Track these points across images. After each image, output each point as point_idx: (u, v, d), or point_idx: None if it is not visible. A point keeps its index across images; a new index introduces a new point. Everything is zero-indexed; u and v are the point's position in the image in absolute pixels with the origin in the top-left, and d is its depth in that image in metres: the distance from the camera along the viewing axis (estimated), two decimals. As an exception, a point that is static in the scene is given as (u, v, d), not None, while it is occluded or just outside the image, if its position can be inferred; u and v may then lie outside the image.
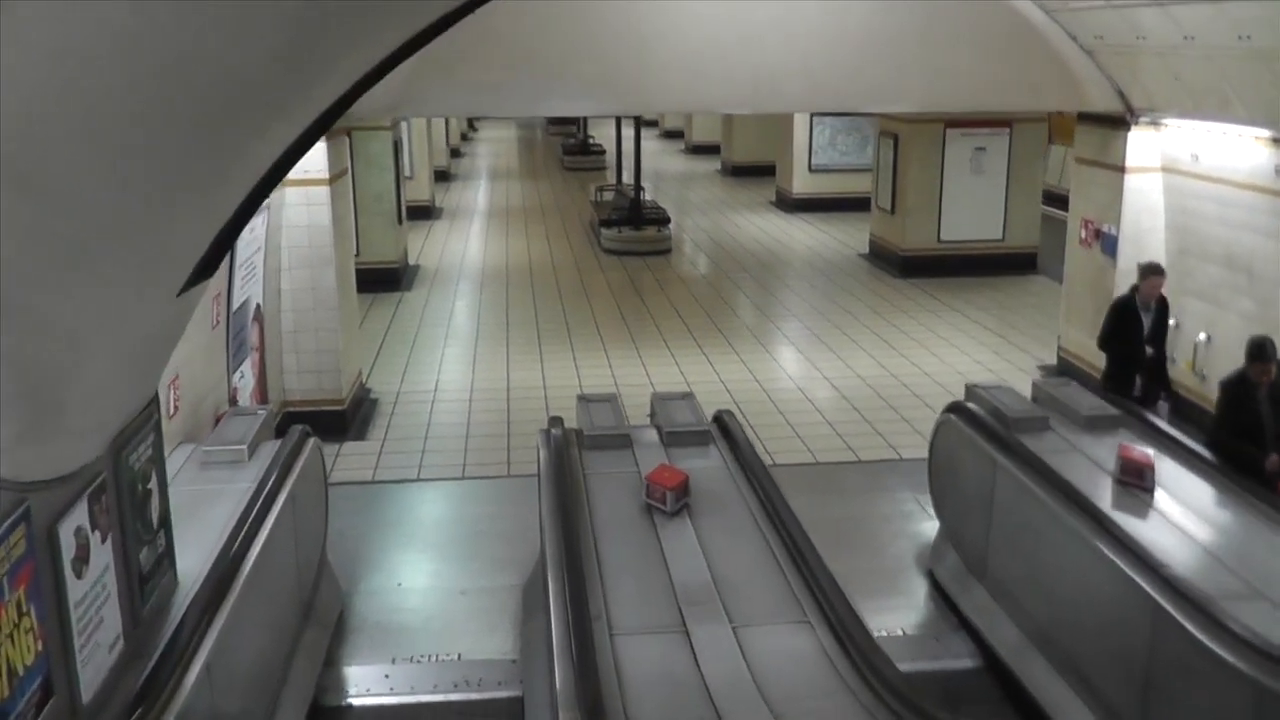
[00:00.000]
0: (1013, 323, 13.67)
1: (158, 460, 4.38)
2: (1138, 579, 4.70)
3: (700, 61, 9.09)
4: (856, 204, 21.48)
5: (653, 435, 6.46)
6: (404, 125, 19.03)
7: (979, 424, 6.58)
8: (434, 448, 9.37)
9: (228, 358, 7.41)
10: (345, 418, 9.50)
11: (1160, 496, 5.77)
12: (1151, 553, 4.88)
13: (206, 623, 4.36)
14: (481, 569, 7.17)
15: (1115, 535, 5.06)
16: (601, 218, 19.02)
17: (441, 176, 26.40)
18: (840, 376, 11.32)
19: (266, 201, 8.40)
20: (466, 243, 19.39)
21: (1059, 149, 20.48)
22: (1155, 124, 9.97)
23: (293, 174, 9.05)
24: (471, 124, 42.32)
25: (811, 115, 22.26)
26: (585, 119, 34.30)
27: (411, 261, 17.10)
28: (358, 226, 14.97)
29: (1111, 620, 4.96)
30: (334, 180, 9.16)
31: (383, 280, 15.20)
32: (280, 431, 6.38)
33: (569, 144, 33.38)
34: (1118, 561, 4.87)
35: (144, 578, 4.19)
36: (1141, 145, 10.12)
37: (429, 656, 6.08)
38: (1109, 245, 10.56)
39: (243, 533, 5.00)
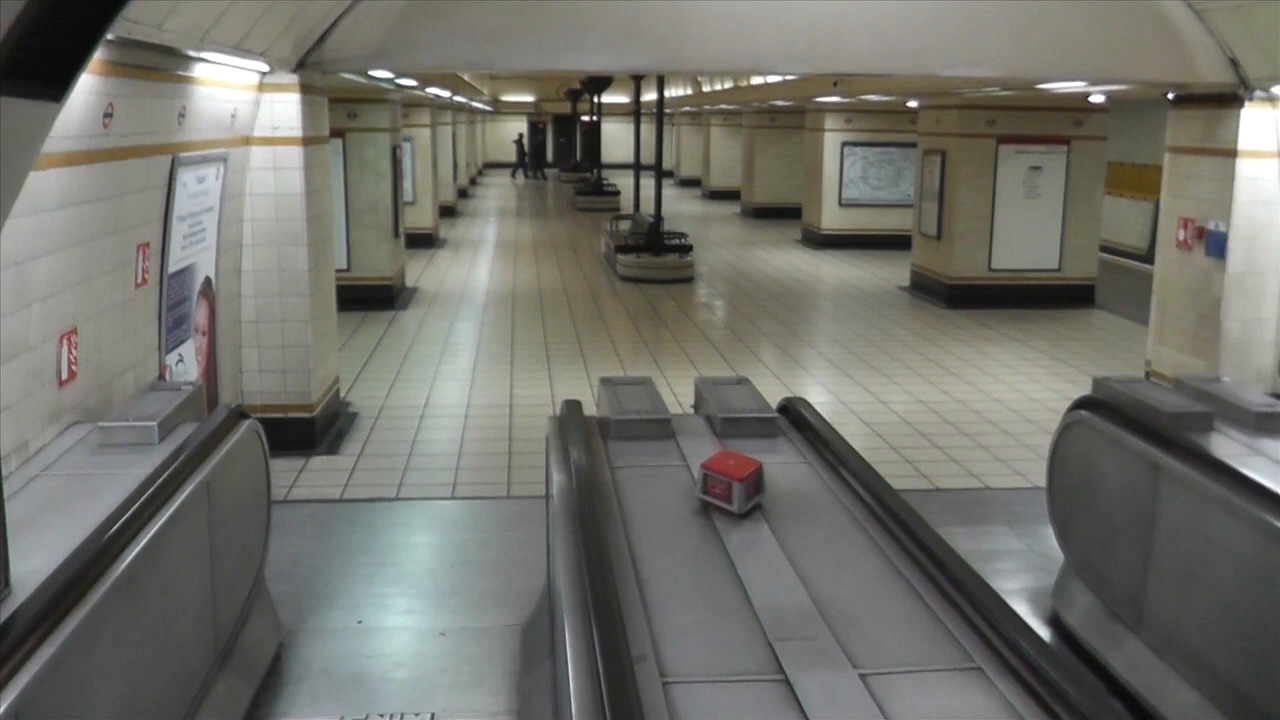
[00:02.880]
0: (1080, 352, 12.09)
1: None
2: None
3: (747, 11, 7.62)
4: (890, 242, 20.06)
5: (700, 424, 4.86)
6: (406, 145, 17.67)
7: (1130, 420, 4.96)
8: (419, 465, 7.75)
9: (159, 330, 5.84)
10: (314, 428, 7.90)
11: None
12: None
13: (27, 650, 2.76)
14: (467, 605, 5.54)
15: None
16: (618, 244, 17.52)
17: (447, 212, 25.01)
18: (898, 401, 9.71)
19: (223, 153, 6.90)
20: (471, 270, 17.90)
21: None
22: (1274, 99, 8.47)
23: (259, 129, 7.58)
24: (475, 178, 41.24)
25: (842, 145, 20.91)
26: (599, 167, 33.06)
27: (409, 284, 15.57)
28: (349, 239, 13.59)
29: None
30: (309, 142, 7.65)
31: (375, 299, 13.68)
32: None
33: (582, 185, 32.10)
34: None
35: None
36: (1257, 125, 8.61)
37: (392, 717, 4.42)
38: (1216, 245, 8.98)
39: (113, 530, 3.40)
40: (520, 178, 44.68)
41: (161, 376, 5.85)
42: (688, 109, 34.77)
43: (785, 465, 4.27)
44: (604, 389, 5.17)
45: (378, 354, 11.34)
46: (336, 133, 13.11)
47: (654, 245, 17.11)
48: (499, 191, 36.60)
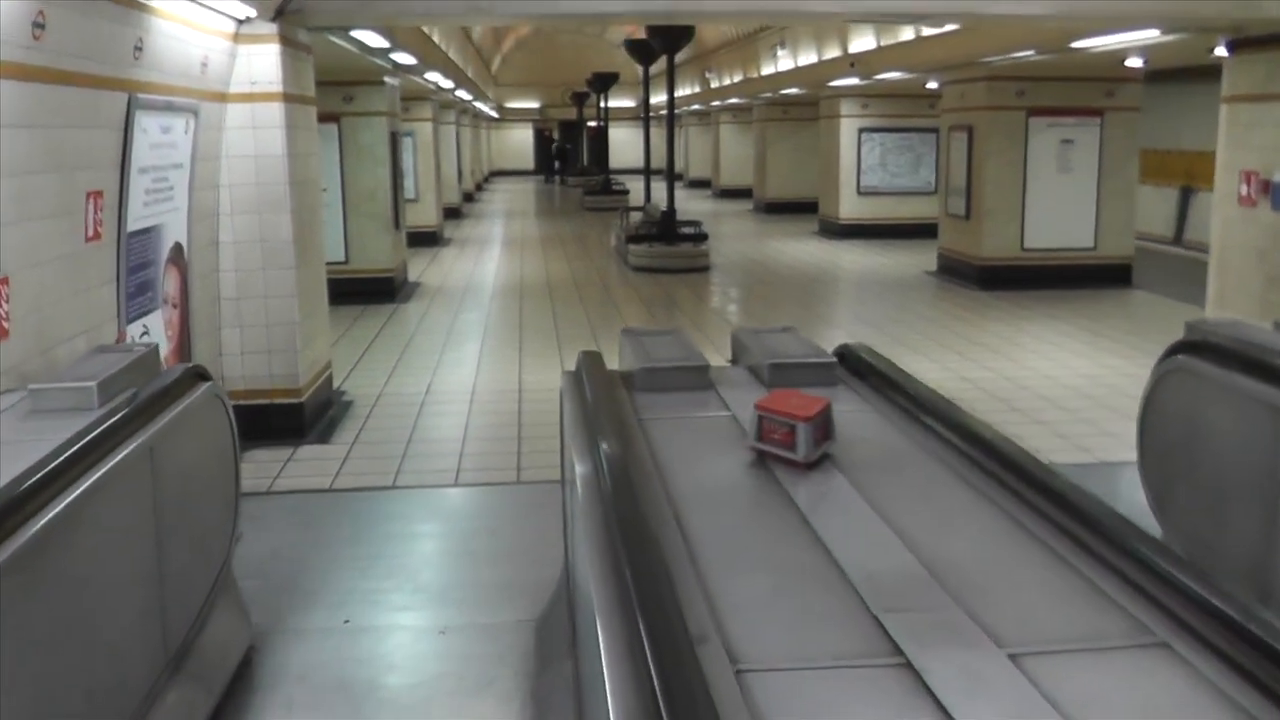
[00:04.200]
0: (1124, 328, 11.32)
1: None
2: None
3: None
4: (912, 230, 19.31)
5: (742, 374, 4.11)
6: (408, 140, 16.98)
7: (1246, 361, 4.19)
8: (419, 452, 7.00)
9: (118, 293, 5.11)
10: (303, 415, 7.16)
11: None
12: None
13: None
14: (472, 599, 4.79)
15: None
16: (629, 234, 16.78)
17: (452, 214, 24.26)
18: (939, 379, 8.92)
19: (192, 104, 6.17)
20: (477, 265, 17.18)
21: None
22: (1351, 38, 7.73)
23: (236, 85, 6.84)
24: (482, 184, 40.63)
25: (860, 132, 20.16)
26: (607, 172, 32.30)
27: (412, 279, 14.84)
28: (346, 229, 12.86)
29: None
30: (291, 100, 6.93)
31: (374, 291, 12.95)
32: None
33: (590, 185, 31.40)
34: None
35: None
36: (1330, 67, 7.88)
37: (381, 731, 3.68)
38: (1284, 198, 8.22)
39: (12, 497, 2.65)
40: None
41: (120, 348, 5.11)
42: (696, 107, 34.04)
43: (852, 414, 3.50)
44: (626, 340, 4.41)
45: (376, 345, 10.60)
46: (332, 117, 12.45)
47: (667, 234, 16.36)
48: (505, 196, 35.88)
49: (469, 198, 30.51)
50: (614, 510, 2.44)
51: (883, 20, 7.20)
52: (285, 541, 5.41)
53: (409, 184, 16.91)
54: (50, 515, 2.71)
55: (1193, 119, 18.32)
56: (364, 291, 12.76)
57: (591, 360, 4.02)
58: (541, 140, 49.50)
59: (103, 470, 3.04)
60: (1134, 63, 12.57)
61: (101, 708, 3.01)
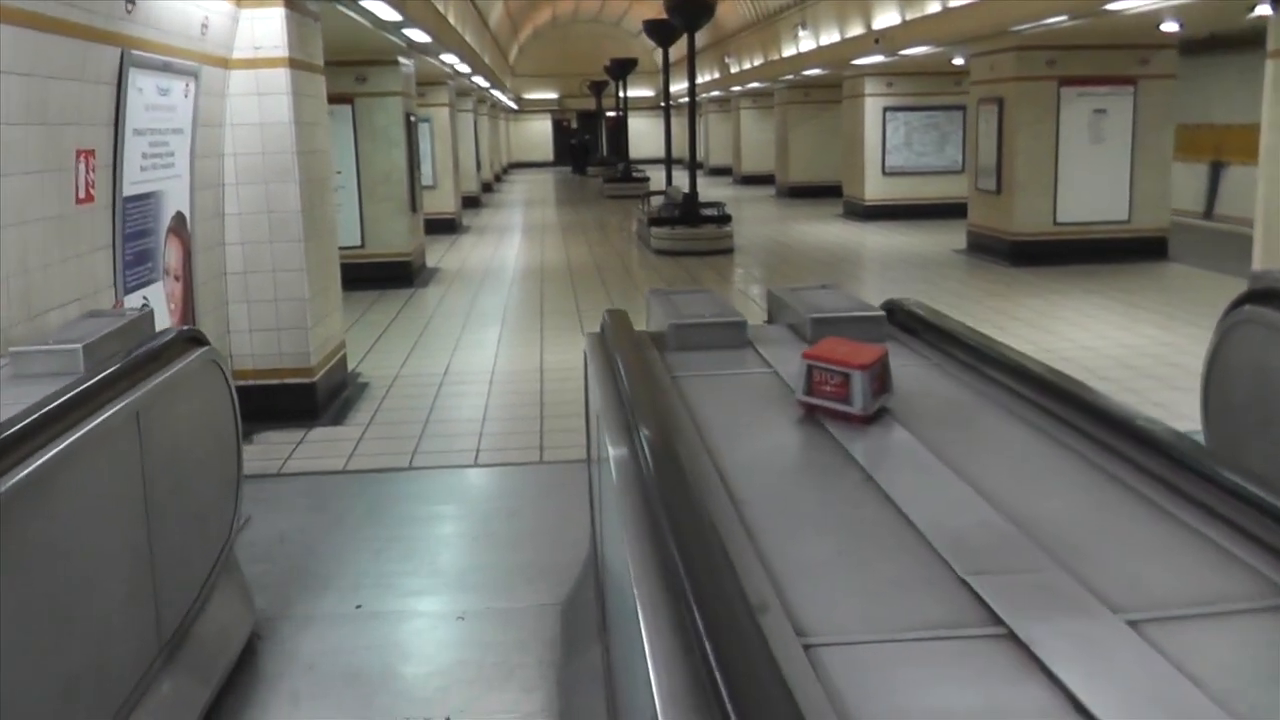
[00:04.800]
0: (1164, 299, 10.95)
1: None
2: None
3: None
4: (938, 211, 18.91)
5: (781, 331, 3.78)
6: (425, 127, 16.69)
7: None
8: (437, 432, 6.70)
9: (115, 261, 4.82)
10: (315, 396, 6.86)
11: None
12: None
13: None
14: (493, 583, 4.48)
15: None
16: (651, 217, 16.43)
17: (470, 203, 23.95)
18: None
19: (193, 67, 5.87)
20: (497, 250, 16.88)
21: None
22: None
23: (239, 50, 6.53)
24: (501, 175, 40.35)
25: (884, 111, 19.75)
26: (627, 163, 31.85)
27: (429, 265, 14.54)
28: (362, 213, 12.58)
29: None
30: (297, 66, 6.62)
31: (391, 276, 12.65)
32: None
33: (610, 173, 31.06)
34: None
35: None
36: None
37: (394, 723, 3.37)
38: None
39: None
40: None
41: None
42: (716, 94, 33.63)
43: (907, 368, 3.17)
44: (654, 299, 4.10)
45: (393, 328, 10.31)
46: (345, 98, 12.15)
47: (689, 216, 16.00)
48: (524, 186, 35.57)
49: (487, 188, 30.22)
50: (651, 469, 2.12)
51: None
52: (295, 524, 5.12)
53: (426, 170, 16.60)
54: (15, 480, 2.41)
55: (1223, 92, 17.82)
56: (380, 277, 12.48)
57: (617, 318, 3.70)
58: (560, 131, 49.18)
59: (80, 433, 2.74)
60: (1169, 27, 12.12)
61: (83, 697, 2.71)
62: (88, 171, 4.52)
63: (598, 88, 39.81)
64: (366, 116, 12.46)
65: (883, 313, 3.69)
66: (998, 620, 1.63)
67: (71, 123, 4.35)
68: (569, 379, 7.87)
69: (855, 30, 18.02)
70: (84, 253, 4.53)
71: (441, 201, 18.22)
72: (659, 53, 23.67)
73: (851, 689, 1.44)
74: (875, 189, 20.02)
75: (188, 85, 5.65)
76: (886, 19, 16.34)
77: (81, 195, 4.48)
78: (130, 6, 4.79)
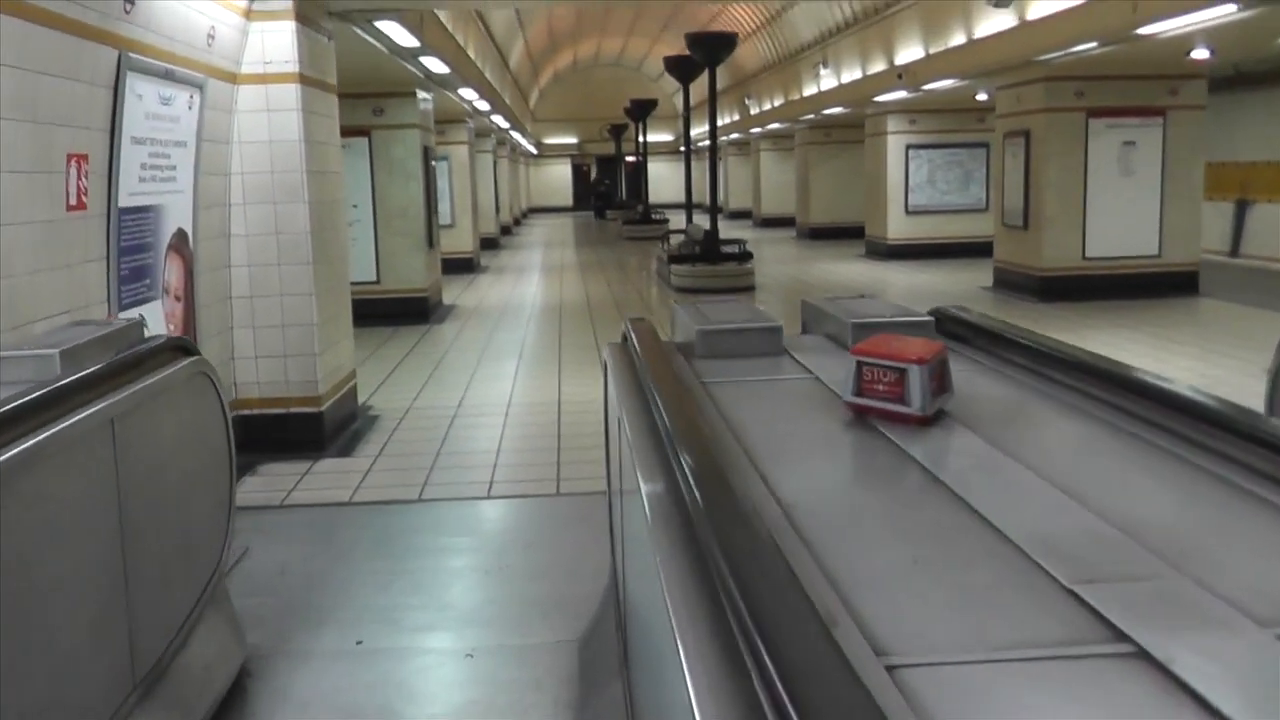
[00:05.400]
0: (1200, 334, 10.61)
1: None
2: None
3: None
4: (963, 250, 18.63)
5: (819, 341, 3.47)
6: (443, 165, 16.55)
7: None
8: (450, 464, 6.39)
9: (109, 273, 4.56)
10: (322, 426, 6.57)
11: None
12: None
13: None
14: (505, 618, 4.15)
15: None
16: (671, 255, 16.19)
17: (489, 244, 23.78)
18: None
19: (198, 78, 5.65)
20: (515, 289, 16.65)
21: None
22: None
23: (248, 64, 6.32)
24: (520, 219, 40.32)
25: (907, 149, 19.53)
26: (647, 206, 31.71)
27: (446, 302, 14.30)
28: (377, 248, 12.36)
29: None
30: (308, 82, 6.41)
31: (407, 312, 12.41)
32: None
33: (629, 215, 30.93)
34: None
35: None
36: None
37: (394, 769, 3.04)
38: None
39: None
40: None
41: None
42: (735, 136, 33.54)
43: (962, 373, 2.84)
44: (680, 310, 3.80)
45: (407, 362, 10.04)
46: (362, 131, 12.01)
47: (710, 254, 15.75)
48: (543, 229, 35.47)
49: (506, 231, 30.10)
50: (688, 474, 1.80)
51: None
52: (296, 556, 4.81)
53: (444, 208, 16.42)
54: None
55: (1248, 129, 17.53)
56: (396, 313, 12.24)
57: (641, 327, 3.40)
58: (579, 176, 49.26)
59: (42, 437, 2.45)
60: (1199, 54, 11.85)
61: (38, 736, 2.40)
62: (80, 177, 4.27)
63: (617, 131, 39.85)
64: (383, 149, 12.29)
65: (930, 318, 3.38)
66: (1122, 635, 1.30)
67: (63, 124, 4.11)
68: (588, 411, 7.57)
69: (878, 66, 17.83)
70: (74, 263, 4.27)
71: (459, 241, 18.02)
72: (679, 96, 23.57)
73: (955, 718, 1.12)
74: (898, 228, 19.76)
75: (192, 96, 5.42)
76: (910, 53, 16.14)
77: (73, 202, 4.23)
78: (129, 6, 4.56)
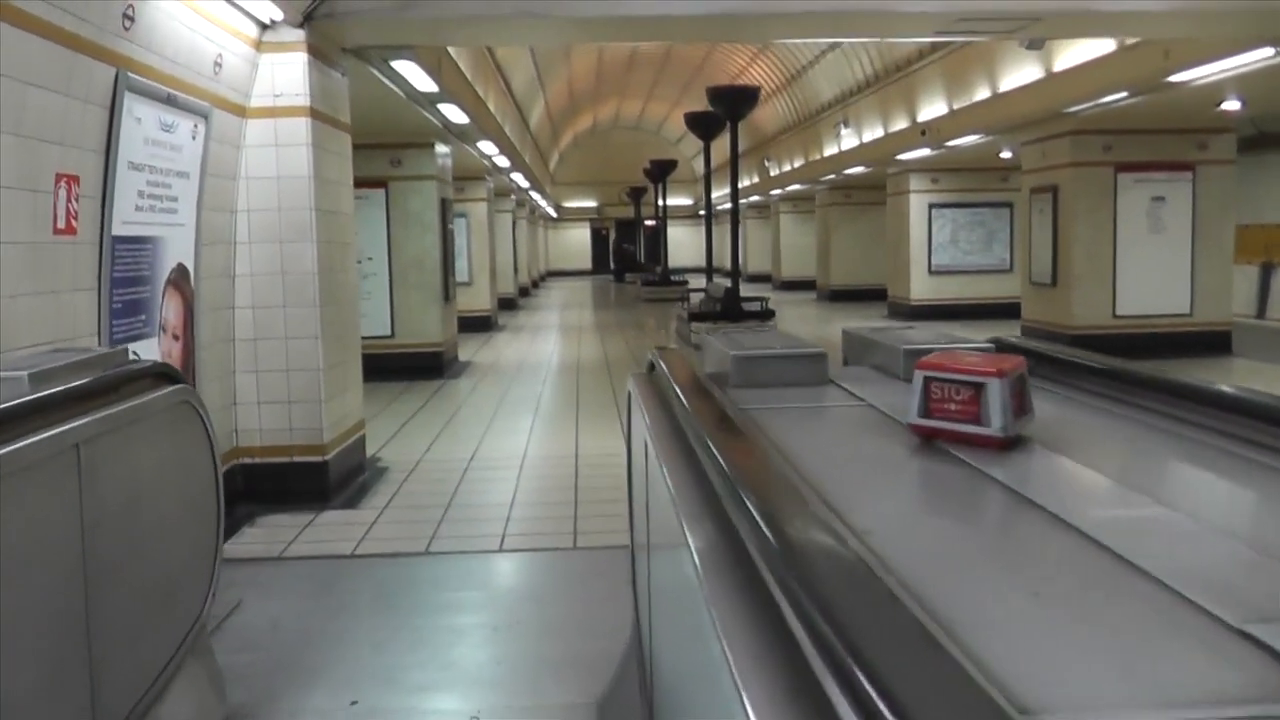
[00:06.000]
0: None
1: None
2: None
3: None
4: (986, 311, 18.31)
5: (865, 371, 3.15)
6: (461, 222, 16.40)
7: None
8: (460, 517, 6.05)
9: (99, 305, 4.29)
10: (327, 476, 6.25)
11: None
12: None
13: None
14: (513, 678, 3.79)
15: None
16: (691, 313, 15.93)
17: (506, 305, 23.58)
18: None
19: (203, 107, 5.41)
20: (532, 346, 16.40)
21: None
22: None
23: (258, 97, 6.08)
24: (538, 282, 40.27)
25: (930, 208, 19.31)
26: (666, 270, 31.59)
27: (462, 359, 14.02)
28: (392, 301, 12.12)
29: None
30: (319, 117, 6.19)
31: (421, 367, 12.13)
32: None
33: (648, 278, 30.79)
34: None
35: None
36: None
37: None
38: None
39: None
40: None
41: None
42: (754, 199, 33.47)
43: (1035, 401, 2.51)
44: (711, 339, 3.47)
45: (420, 416, 9.73)
46: (379, 182, 11.83)
47: (732, 311, 15.48)
48: (561, 292, 35.35)
49: (524, 292, 29.95)
50: (751, 509, 1.47)
51: (988, 24, 6.18)
52: (291, 610, 4.46)
53: (461, 265, 16.23)
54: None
55: (1272, 190, 17.23)
56: (410, 368, 11.98)
57: (672, 356, 3.08)
58: (598, 239, 49.33)
59: (-13, 461, 2.14)
60: (1230, 105, 11.61)
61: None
62: (69, 199, 4.01)
63: (636, 194, 39.89)
64: (400, 201, 12.10)
65: (991, 345, 3.05)
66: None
67: (52, 140, 3.85)
68: (607, 464, 7.25)
69: (900, 124, 17.68)
70: (61, 290, 4.00)
71: (477, 299, 17.79)
72: (697, 160, 23.51)
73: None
74: (921, 288, 19.47)
75: (196, 126, 5.19)
76: (933, 109, 15.97)
77: (60, 225, 3.97)
78: (128, 22, 4.34)
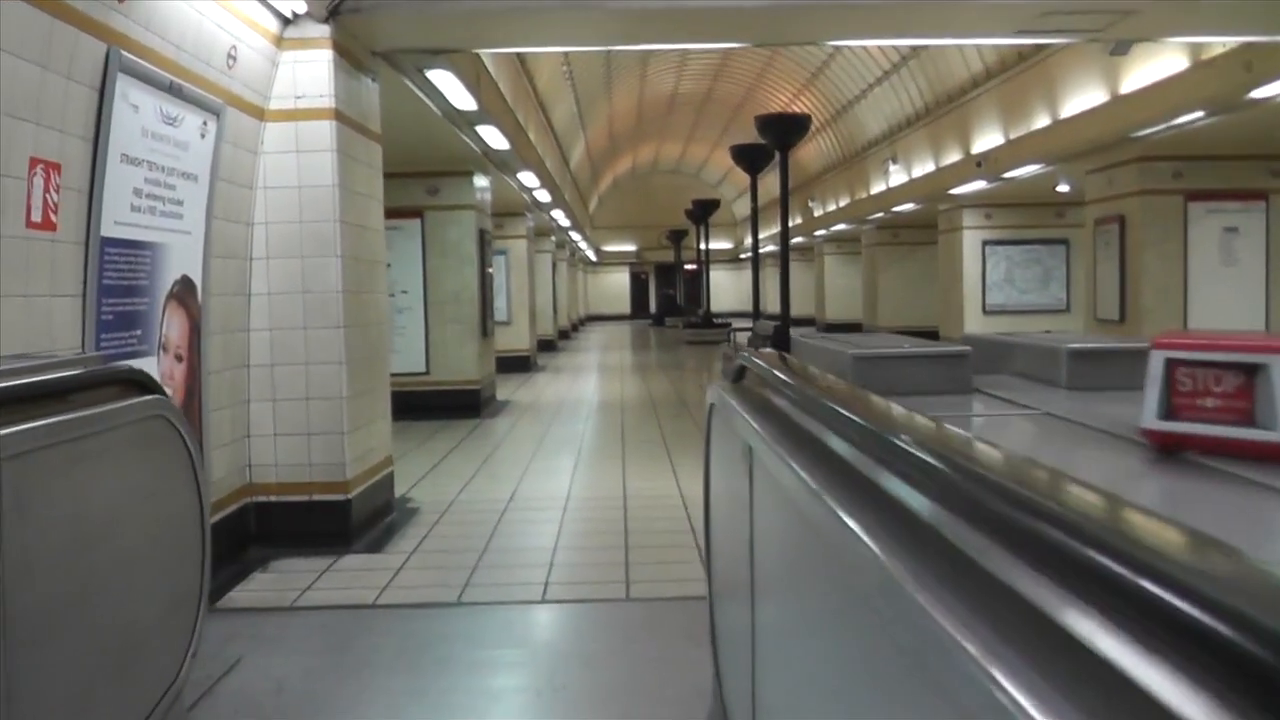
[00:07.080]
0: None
1: None
2: None
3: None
4: (1044, 349, 17.47)
5: (1006, 379, 2.50)
6: (500, 259, 15.95)
7: None
8: (496, 563, 5.42)
9: (84, 314, 3.73)
10: (349, 517, 5.65)
11: None
12: None
13: None
14: (563, 755, 3.13)
15: None
16: (739, 349, 15.28)
17: (546, 346, 23.07)
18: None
19: (214, 102, 4.88)
20: (573, 385, 15.82)
21: None
22: None
23: (278, 99, 5.52)
24: (578, 325, 39.84)
25: (984, 245, 18.62)
26: (708, 314, 31.01)
27: (500, 398, 13.44)
28: (427, 337, 11.58)
29: None
30: (345, 121, 5.66)
31: (457, 405, 11.55)
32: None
33: (691, 320, 30.21)
34: None
35: None
36: None
37: None
38: None
39: None
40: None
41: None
42: (798, 240, 32.85)
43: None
44: (806, 339, 2.85)
45: (455, 454, 9.13)
46: (415, 212, 11.36)
47: (781, 346, 14.79)
48: (601, 335, 34.83)
49: (564, 335, 29.46)
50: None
51: (1076, 19, 5.54)
52: (299, 669, 3.84)
53: (500, 304, 15.72)
54: None
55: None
56: (445, 405, 11.41)
57: (771, 355, 2.47)
58: (637, 283, 48.96)
59: None
60: (1315, 130, 10.88)
61: None
62: (47, 189, 3.46)
63: (677, 237, 39.43)
64: (437, 231, 11.59)
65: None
66: None
67: (25, 117, 3.32)
68: (660, 506, 6.61)
69: (952, 157, 17.04)
70: (35, 294, 3.44)
71: (516, 338, 17.27)
72: (738, 204, 23.01)
73: None
74: (975, 328, 18.66)
75: (205, 123, 4.65)
76: (988, 140, 15.33)
77: (36, 218, 3.42)
78: (123, -4, 3.81)
